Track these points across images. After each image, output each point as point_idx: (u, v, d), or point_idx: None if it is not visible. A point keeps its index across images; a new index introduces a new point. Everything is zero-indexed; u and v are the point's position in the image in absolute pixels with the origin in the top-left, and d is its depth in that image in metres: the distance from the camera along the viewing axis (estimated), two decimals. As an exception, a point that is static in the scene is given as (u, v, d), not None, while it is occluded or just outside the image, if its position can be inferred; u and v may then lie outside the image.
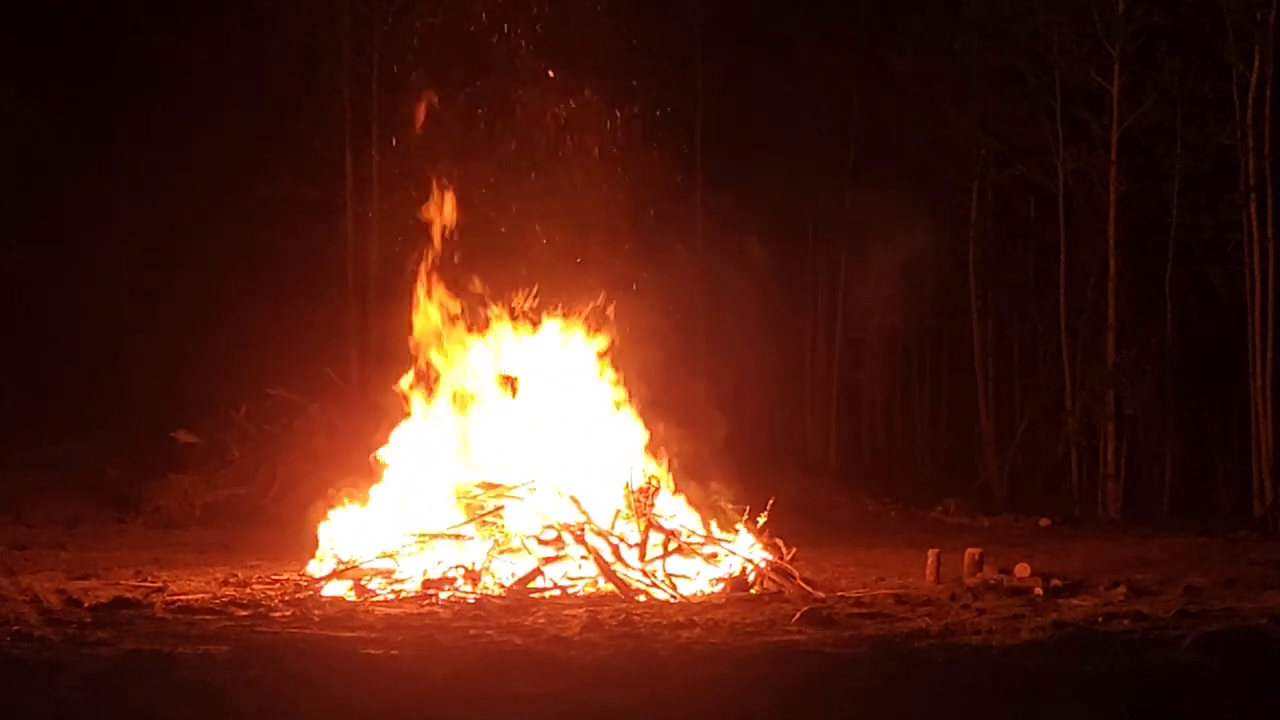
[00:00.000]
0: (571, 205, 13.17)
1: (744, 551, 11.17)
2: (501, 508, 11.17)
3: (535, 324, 12.36)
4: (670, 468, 11.93)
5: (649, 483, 11.21)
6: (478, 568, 10.61)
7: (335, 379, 21.12)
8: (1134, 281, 24.22)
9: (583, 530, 10.78)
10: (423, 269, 12.44)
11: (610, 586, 10.33)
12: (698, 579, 10.84)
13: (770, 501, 11.75)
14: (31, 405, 25.26)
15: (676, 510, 11.60)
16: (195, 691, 6.58)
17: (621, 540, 10.84)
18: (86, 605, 9.39)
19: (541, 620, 9.02)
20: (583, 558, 10.65)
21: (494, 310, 12.45)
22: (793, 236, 28.28)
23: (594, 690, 6.80)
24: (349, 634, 8.44)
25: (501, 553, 10.84)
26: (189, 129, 24.35)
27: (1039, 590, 10.51)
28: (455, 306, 12.44)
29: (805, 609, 9.26)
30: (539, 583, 10.43)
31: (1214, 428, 26.61)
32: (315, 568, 11.20)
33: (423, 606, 9.79)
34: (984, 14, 24.39)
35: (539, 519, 11.02)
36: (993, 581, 10.93)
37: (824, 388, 29.10)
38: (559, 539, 10.83)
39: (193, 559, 13.28)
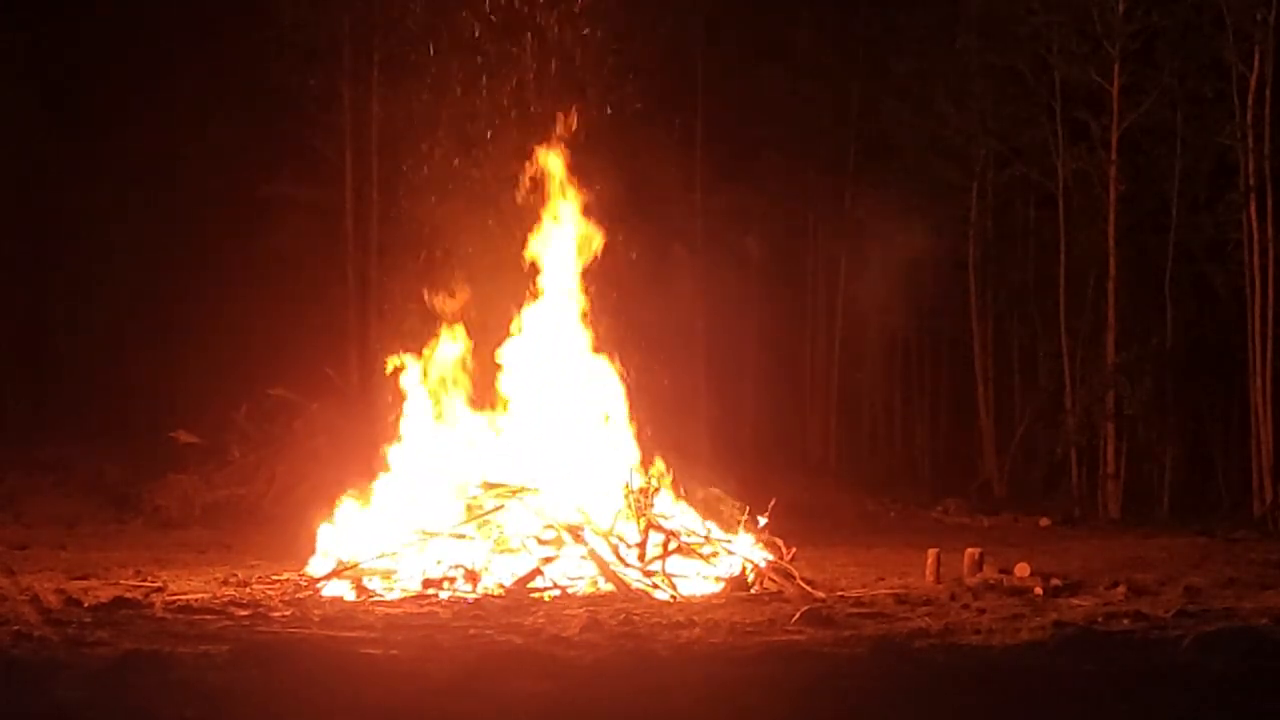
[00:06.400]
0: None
1: (744, 551, 11.16)
2: (501, 507, 11.16)
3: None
4: (668, 468, 11.92)
5: (649, 483, 11.21)
6: (478, 568, 10.61)
7: (335, 379, 21.11)
8: (1134, 281, 24.19)
9: (582, 530, 10.78)
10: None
11: (610, 586, 10.33)
12: (697, 579, 10.83)
13: (771, 502, 11.74)
14: (31, 405, 25.28)
15: (676, 511, 11.59)
16: (195, 691, 6.57)
17: (621, 540, 10.84)
18: (86, 605, 9.39)
19: (541, 620, 9.02)
20: (583, 558, 10.64)
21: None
22: (793, 236, 28.27)
23: (594, 690, 6.80)
24: (349, 634, 8.44)
25: (501, 553, 10.84)
26: (189, 129, 24.36)
27: (1039, 590, 10.51)
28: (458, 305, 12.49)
29: (805, 609, 9.26)
30: (539, 583, 10.43)
31: (1214, 428, 26.60)
32: (315, 567, 11.19)
33: (423, 606, 9.79)
34: (984, 14, 24.38)
35: (539, 519, 11.02)
36: (993, 581, 10.93)
37: (824, 388, 29.08)
38: (559, 539, 10.83)
39: (193, 559, 13.27)
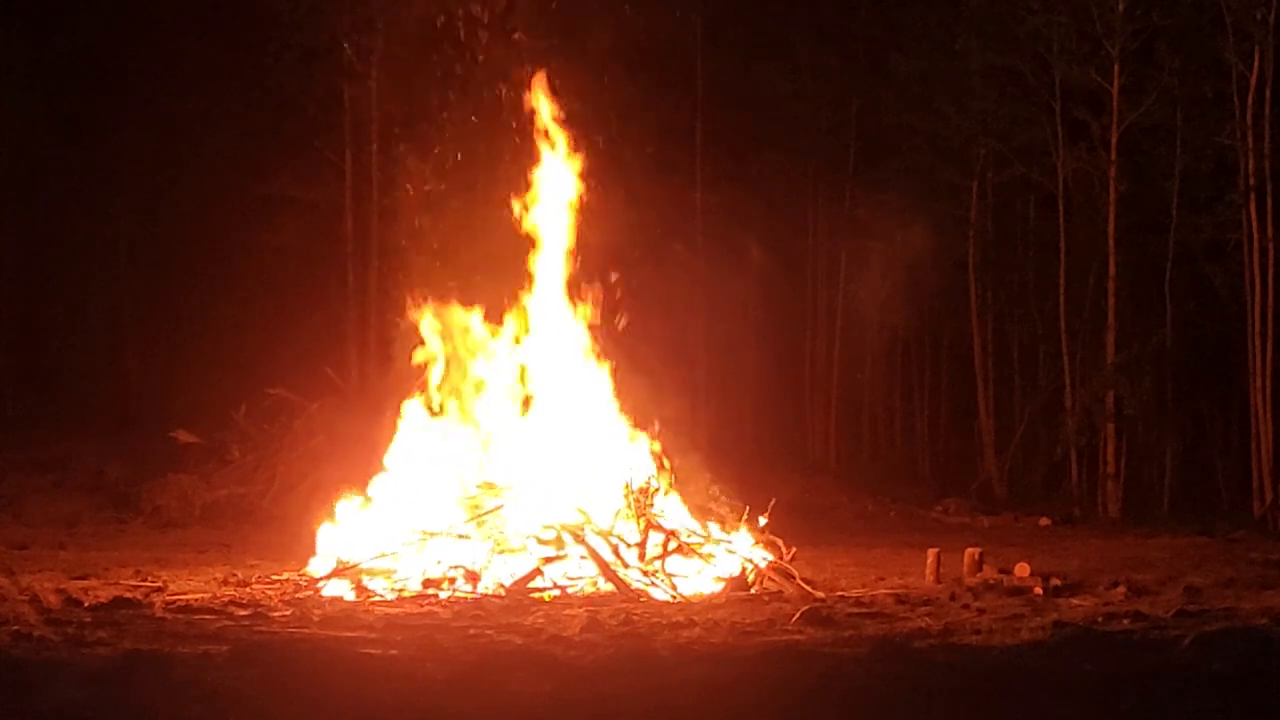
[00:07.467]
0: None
1: (744, 551, 11.16)
2: (501, 507, 11.16)
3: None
4: (668, 468, 11.91)
5: (649, 483, 11.20)
6: (478, 568, 10.60)
7: (335, 379, 21.11)
8: (1134, 281, 24.22)
9: (583, 530, 10.78)
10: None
11: (610, 586, 10.33)
12: (698, 579, 10.83)
13: (771, 502, 11.74)
14: (31, 405, 25.28)
15: (676, 510, 11.59)
16: (195, 691, 6.57)
17: (621, 540, 10.84)
18: (86, 605, 9.38)
19: (541, 620, 9.01)
20: (582, 558, 10.64)
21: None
22: (793, 236, 28.29)
23: (594, 690, 6.80)
24: (349, 634, 8.43)
25: (501, 553, 10.84)
26: (189, 129, 24.37)
27: (1039, 590, 10.51)
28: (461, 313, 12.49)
29: (805, 609, 9.25)
30: (539, 583, 10.43)
31: (1214, 428, 26.62)
32: (315, 567, 11.19)
33: (422, 606, 9.78)
34: (984, 14, 24.40)
35: (539, 519, 11.02)
36: (993, 581, 10.93)
37: (824, 388, 29.10)
38: (559, 539, 10.83)
39: (193, 559, 13.27)
